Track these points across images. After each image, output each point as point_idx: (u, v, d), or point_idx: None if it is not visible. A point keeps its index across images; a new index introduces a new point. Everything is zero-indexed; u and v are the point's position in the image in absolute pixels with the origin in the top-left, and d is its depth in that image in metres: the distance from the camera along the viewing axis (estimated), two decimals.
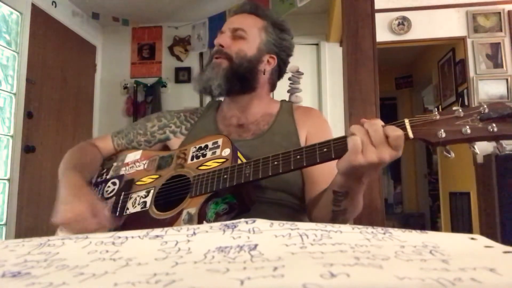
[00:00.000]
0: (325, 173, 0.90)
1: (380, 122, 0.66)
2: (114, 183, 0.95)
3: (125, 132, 1.08)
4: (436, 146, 0.63)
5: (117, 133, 1.09)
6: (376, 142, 0.64)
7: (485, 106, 0.61)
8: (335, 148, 0.68)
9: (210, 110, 1.09)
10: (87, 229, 0.77)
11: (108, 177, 0.99)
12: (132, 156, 1.01)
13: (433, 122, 0.63)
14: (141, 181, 0.91)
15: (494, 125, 0.60)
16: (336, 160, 0.69)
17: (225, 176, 0.76)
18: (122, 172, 0.98)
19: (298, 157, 0.71)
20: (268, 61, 1.04)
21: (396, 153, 0.64)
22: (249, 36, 1.01)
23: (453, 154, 0.63)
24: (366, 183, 0.72)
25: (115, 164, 1.02)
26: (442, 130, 0.62)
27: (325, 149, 0.69)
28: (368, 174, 0.69)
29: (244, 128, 1.01)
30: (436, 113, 0.63)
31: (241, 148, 0.88)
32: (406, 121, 0.65)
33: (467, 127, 0.61)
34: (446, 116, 0.63)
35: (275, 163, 0.72)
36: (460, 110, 0.62)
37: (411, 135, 0.64)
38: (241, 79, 0.99)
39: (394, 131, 0.63)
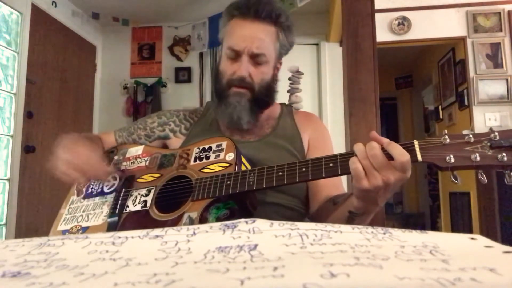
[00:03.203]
0: (328, 180, 0.91)
1: (378, 146, 0.63)
2: (114, 178, 0.95)
3: (126, 127, 1.11)
4: (445, 170, 0.62)
5: (119, 128, 1.12)
6: (378, 167, 0.62)
7: (496, 133, 0.59)
8: (342, 164, 0.67)
9: (210, 110, 1.08)
10: (85, 171, 0.80)
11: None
12: (134, 151, 1.00)
13: (442, 146, 0.62)
14: (142, 178, 0.91)
15: (504, 154, 0.58)
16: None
17: (228, 182, 0.76)
18: (122, 167, 0.97)
19: (304, 169, 0.70)
20: (277, 67, 1.01)
21: (403, 175, 0.62)
22: (269, 59, 0.94)
23: (460, 181, 0.61)
24: (382, 204, 0.70)
25: (116, 157, 1.02)
26: (452, 156, 0.60)
27: (331, 164, 0.68)
28: (383, 196, 0.66)
29: (248, 131, 1.00)
30: (446, 136, 0.62)
31: (245, 150, 0.87)
32: (416, 143, 0.63)
33: (477, 154, 0.59)
34: (456, 140, 0.61)
35: (280, 173, 0.72)
36: (471, 135, 0.60)
37: (419, 158, 0.62)
38: (263, 105, 0.98)
39: (401, 156, 0.61)
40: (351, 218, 0.74)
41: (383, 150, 0.63)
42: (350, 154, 0.67)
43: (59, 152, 0.85)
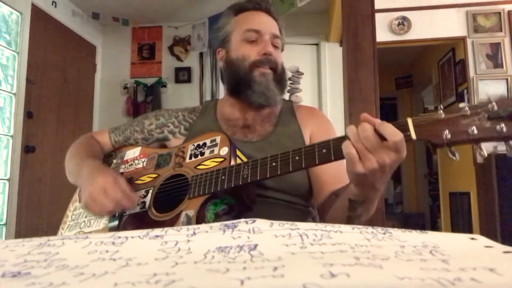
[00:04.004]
0: (332, 175, 0.90)
1: (370, 127, 0.60)
2: None
3: (122, 129, 1.06)
4: (441, 147, 0.59)
5: (114, 129, 1.08)
6: (371, 148, 0.60)
7: (494, 103, 0.55)
8: (335, 149, 0.65)
9: (208, 109, 1.06)
10: (112, 198, 0.76)
11: None
12: (131, 153, 1.00)
13: (438, 121, 0.58)
14: (140, 180, 0.90)
15: (503, 124, 0.54)
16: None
17: (223, 177, 0.75)
18: (121, 170, 0.97)
19: (297, 158, 0.68)
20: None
21: (398, 156, 0.60)
22: (280, 45, 0.99)
23: (458, 156, 0.58)
24: (382, 189, 0.67)
25: (114, 161, 1.02)
26: (447, 131, 0.57)
27: (324, 150, 0.66)
28: (380, 179, 0.63)
29: (250, 129, 0.99)
30: (441, 111, 0.59)
31: (248, 150, 0.87)
32: (409, 120, 0.60)
33: (474, 127, 0.56)
34: (452, 115, 0.58)
35: (273, 164, 0.71)
36: (467, 108, 0.57)
37: (414, 136, 0.59)
38: (284, 87, 0.99)
39: (393, 136, 0.58)
40: (353, 207, 0.71)
41: (376, 131, 0.60)
42: (343, 138, 0.65)
43: (94, 180, 0.80)
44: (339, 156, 0.64)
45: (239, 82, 0.96)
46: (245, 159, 0.82)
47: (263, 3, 0.99)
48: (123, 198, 0.78)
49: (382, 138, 0.60)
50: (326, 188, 0.91)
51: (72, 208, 0.98)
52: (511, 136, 0.55)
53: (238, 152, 0.82)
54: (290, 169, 0.69)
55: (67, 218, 0.97)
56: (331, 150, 0.65)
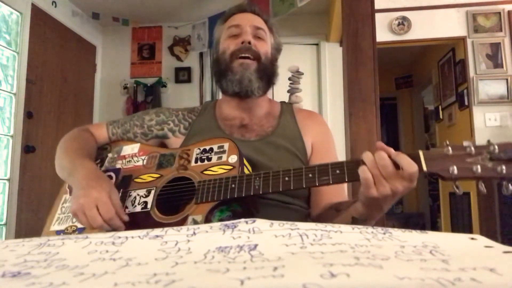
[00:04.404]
0: (332, 188, 0.91)
1: (387, 156, 0.65)
2: (110, 177, 0.92)
3: (121, 122, 1.06)
4: (448, 181, 0.65)
5: (113, 122, 1.07)
6: (386, 176, 0.65)
7: (496, 147, 0.62)
8: (348, 171, 0.69)
9: (208, 109, 1.07)
10: (104, 216, 0.75)
11: (103, 168, 0.96)
12: (129, 149, 0.97)
13: (446, 157, 0.64)
14: (140, 178, 0.89)
15: (503, 166, 0.61)
16: None
17: (233, 186, 0.75)
18: (118, 166, 0.94)
19: (310, 175, 0.71)
20: (275, 58, 1.06)
21: (410, 184, 0.65)
22: (266, 38, 1.01)
23: (461, 191, 0.64)
24: (386, 210, 0.73)
25: (110, 155, 0.99)
26: (455, 167, 0.63)
27: (337, 171, 0.70)
28: (389, 203, 0.69)
29: (248, 128, 0.99)
30: (449, 147, 0.65)
31: (245, 150, 0.86)
32: (421, 153, 0.65)
33: (478, 166, 0.62)
34: (459, 152, 0.64)
35: (286, 178, 0.73)
36: (472, 148, 0.63)
37: (425, 168, 0.65)
38: (268, 81, 1.00)
39: (409, 167, 0.63)
40: (355, 225, 0.75)
41: (391, 160, 0.66)
42: (356, 161, 0.69)
43: (89, 190, 0.78)
44: (353, 178, 0.69)
45: (221, 74, 0.99)
46: (250, 168, 0.83)
47: (248, 6, 1.03)
48: (115, 218, 0.77)
49: (397, 166, 0.65)
50: (324, 201, 0.94)
51: (62, 200, 0.95)
52: (509, 178, 0.62)
53: (245, 161, 0.82)
54: (304, 185, 0.72)
55: (56, 209, 0.94)
56: (345, 172, 0.70)
